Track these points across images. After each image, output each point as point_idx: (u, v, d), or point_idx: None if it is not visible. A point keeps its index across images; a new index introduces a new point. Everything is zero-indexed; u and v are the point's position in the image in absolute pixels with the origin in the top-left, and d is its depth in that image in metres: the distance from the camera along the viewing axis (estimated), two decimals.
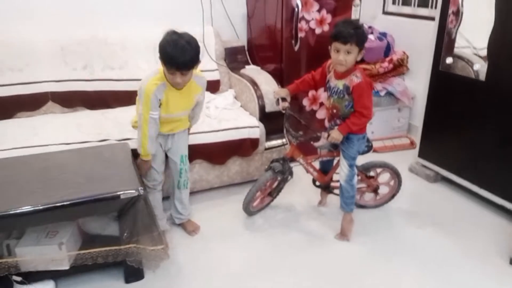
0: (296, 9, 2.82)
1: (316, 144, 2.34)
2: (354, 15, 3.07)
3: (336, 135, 2.12)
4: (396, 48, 3.73)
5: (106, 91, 2.90)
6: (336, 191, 2.47)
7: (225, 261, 2.19)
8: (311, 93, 3.11)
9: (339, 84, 2.14)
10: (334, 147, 2.37)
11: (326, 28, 2.98)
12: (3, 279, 1.82)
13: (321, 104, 3.20)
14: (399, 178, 2.59)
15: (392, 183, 2.63)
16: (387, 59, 3.62)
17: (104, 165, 2.07)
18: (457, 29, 2.67)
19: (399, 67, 3.67)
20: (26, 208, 1.70)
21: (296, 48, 2.93)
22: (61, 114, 2.79)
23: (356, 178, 2.31)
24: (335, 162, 2.46)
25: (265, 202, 2.60)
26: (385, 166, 2.56)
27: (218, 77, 3.19)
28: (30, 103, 2.73)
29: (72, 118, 2.69)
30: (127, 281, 2.00)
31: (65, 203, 1.72)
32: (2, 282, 1.83)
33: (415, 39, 3.58)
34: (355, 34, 1.98)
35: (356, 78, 2.07)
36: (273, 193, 2.55)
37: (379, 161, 2.56)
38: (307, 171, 2.46)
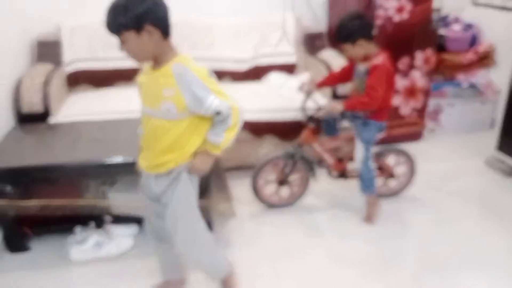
0: None
1: (318, 113, 2.35)
2: (435, 5, 3.03)
3: (335, 104, 2.18)
4: (484, 40, 3.58)
5: None
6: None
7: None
8: None
9: (362, 67, 2.22)
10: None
11: (405, 16, 2.99)
12: (97, 218, 2.17)
13: (397, 91, 3.20)
14: (413, 164, 2.55)
15: (406, 169, 2.59)
16: (472, 50, 3.49)
17: None
18: None
19: (485, 60, 3.53)
20: (119, 159, 2.01)
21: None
22: None
23: (371, 161, 2.33)
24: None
25: (283, 197, 2.55)
26: (399, 152, 2.54)
27: (295, 61, 3.33)
28: (126, 75, 3.08)
29: None
30: None
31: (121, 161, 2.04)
32: (96, 221, 2.18)
33: (505, 32, 3.41)
34: (343, 35, 2.12)
35: (376, 60, 2.14)
36: (285, 182, 2.49)
37: (392, 147, 2.55)
38: (322, 159, 2.46)
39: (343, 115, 2.31)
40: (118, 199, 2.18)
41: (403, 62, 3.13)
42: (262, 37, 3.31)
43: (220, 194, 2.16)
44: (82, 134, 2.35)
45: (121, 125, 2.43)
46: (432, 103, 3.45)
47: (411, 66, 3.16)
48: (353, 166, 2.46)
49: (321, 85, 2.41)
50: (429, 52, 3.17)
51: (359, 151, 2.32)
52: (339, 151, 2.49)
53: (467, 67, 3.54)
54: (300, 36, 3.41)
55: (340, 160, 2.50)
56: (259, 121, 2.71)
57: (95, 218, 2.18)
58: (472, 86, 3.51)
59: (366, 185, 2.37)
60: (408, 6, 2.97)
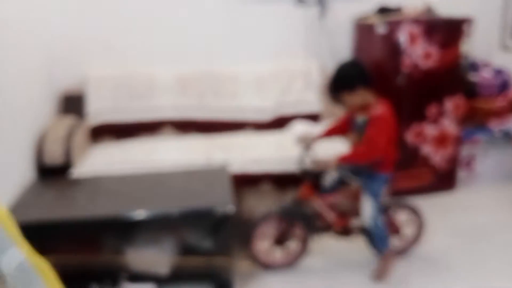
0: (401, 45, 2.82)
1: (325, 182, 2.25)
2: (463, 51, 2.96)
3: (326, 160, 2.06)
4: None
5: (216, 119, 3.17)
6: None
7: None
8: (415, 127, 3.03)
9: (360, 118, 2.14)
10: (341, 183, 2.29)
11: (431, 63, 2.92)
12: (113, 275, 2.08)
13: (426, 139, 3.09)
14: (421, 220, 2.40)
15: (413, 225, 2.43)
16: (504, 96, 3.36)
17: (205, 184, 2.28)
18: None
19: None
20: (138, 215, 1.95)
21: (400, 82, 2.91)
22: (175, 138, 3.11)
23: (381, 217, 2.20)
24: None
25: (278, 258, 2.36)
26: (405, 206, 2.40)
27: (318, 110, 3.26)
28: (149, 127, 3.10)
29: (184, 141, 2.99)
30: None
31: (168, 213, 1.95)
32: (112, 278, 2.09)
33: None
34: (341, 83, 2.06)
35: (375, 110, 2.07)
36: (283, 241, 2.31)
37: (402, 201, 2.42)
38: (323, 215, 2.28)
39: (342, 171, 2.18)
40: (136, 256, 2.09)
41: (431, 110, 3.03)
42: (285, 85, 3.28)
43: (240, 251, 2.05)
44: (102, 188, 2.32)
45: (142, 178, 2.39)
46: (465, 151, 3.30)
47: (440, 113, 3.05)
48: (358, 222, 2.30)
49: (320, 138, 2.29)
50: (459, 99, 3.06)
51: (367, 206, 2.19)
52: (341, 207, 2.33)
53: (499, 113, 3.39)
54: (324, 84, 3.37)
55: (342, 216, 2.32)
56: (284, 172, 2.62)
57: (111, 275, 2.09)
58: (506, 133, 3.35)
59: (380, 242, 2.23)
60: (435, 52, 2.90)
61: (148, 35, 3.26)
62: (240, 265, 2.04)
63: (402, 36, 2.81)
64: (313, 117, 3.24)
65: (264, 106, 3.24)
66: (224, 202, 2.01)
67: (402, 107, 2.99)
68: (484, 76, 3.38)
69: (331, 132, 2.31)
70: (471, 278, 2.27)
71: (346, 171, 2.19)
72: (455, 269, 2.35)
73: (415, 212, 2.41)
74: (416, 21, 2.84)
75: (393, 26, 2.83)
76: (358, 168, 2.16)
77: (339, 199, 2.30)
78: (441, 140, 3.12)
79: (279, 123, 3.22)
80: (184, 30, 3.30)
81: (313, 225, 2.29)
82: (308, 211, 2.26)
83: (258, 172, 2.63)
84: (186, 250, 2.18)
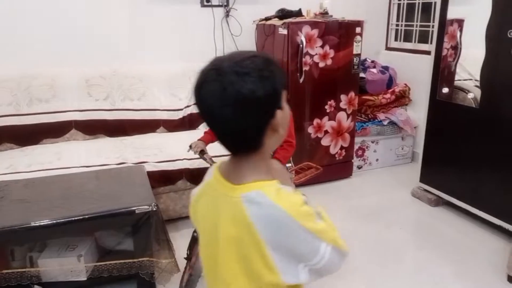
0: (301, 45, 3.05)
1: None
2: (356, 50, 3.29)
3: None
4: (399, 81, 3.92)
5: (125, 120, 3.13)
6: None
7: None
8: (316, 121, 3.30)
9: None
10: None
11: (329, 62, 3.20)
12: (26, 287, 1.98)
13: (326, 132, 3.38)
14: None
15: None
16: (390, 90, 3.80)
17: (121, 185, 2.26)
18: (456, 62, 2.86)
19: (402, 98, 3.85)
20: (48, 221, 1.88)
21: (301, 80, 3.14)
22: (83, 141, 3.01)
23: None
24: None
25: None
26: None
27: None
28: (55, 131, 2.95)
29: (93, 144, 2.91)
30: None
31: (84, 216, 1.90)
32: None
33: (416, 72, 3.76)
34: None
35: None
36: None
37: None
38: None
39: None
40: (49, 265, 2.01)
41: (330, 105, 3.32)
42: None
43: (161, 250, 2.08)
44: (7, 195, 2.17)
45: (52, 183, 2.28)
46: (358, 141, 3.66)
47: (337, 108, 3.36)
48: None
49: (209, 141, 2.06)
50: (352, 95, 3.39)
51: None
52: None
53: (386, 106, 3.83)
54: None
55: None
56: (199, 168, 2.67)
57: None
58: (392, 123, 3.79)
59: None
60: (331, 53, 3.19)
61: (50, 35, 3.10)
62: (162, 263, 2.06)
63: (301, 37, 3.04)
64: None
65: (174, 106, 3.27)
66: (143, 202, 2.02)
67: (304, 104, 3.24)
68: (372, 73, 3.78)
69: (214, 137, 2.11)
70: (366, 253, 2.56)
71: None
72: (353, 248, 2.63)
73: None
74: (314, 23, 3.09)
75: (293, 28, 3.05)
76: None
77: None
78: (338, 132, 3.43)
79: (191, 123, 3.28)
80: (89, 30, 3.20)
81: None
82: None
83: (174, 170, 2.66)
84: (107, 253, 2.16)
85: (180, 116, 3.27)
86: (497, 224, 2.62)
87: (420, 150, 3.18)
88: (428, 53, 3.69)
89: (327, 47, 3.17)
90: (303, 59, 3.10)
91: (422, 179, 3.16)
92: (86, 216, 1.90)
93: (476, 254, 2.50)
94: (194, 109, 3.31)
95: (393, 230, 2.80)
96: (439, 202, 3.07)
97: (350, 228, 2.78)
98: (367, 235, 2.74)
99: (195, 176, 2.70)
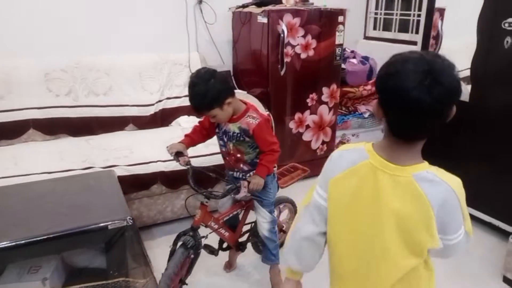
0: (282, 35, 2.85)
1: (238, 196, 1.90)
2: (338, 40, 3.12)
3: (258, 180, 1.83)
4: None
5: (90, 118, 2.84)
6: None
7: None
8: (297, 115, 3.12)
9: (234, 128, 1.86)
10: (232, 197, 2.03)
11: (311, 53, 3.02)
12: None
13: (308, 126, 3.21)
14: (295, 209, 2.35)
15: (292, 219, 2.36)
16: (370, 82, 3.67)
17: (90, 194, 2.00)
18: (438, 51, 2.74)
19: None
20: (6, 243, 1.61)
21: (282, 72, 2.95)
22: (43, 142, 2.70)
23: (276, 225, 2.07)
24: (241, 215, 2.14)
25: None
26: (286, 201, 2.33)
27: None
28: (10, 131, 2.64)
29: (55, 145, 2.61)
30: None
31: (49, 236, 1.64)
32: None
33: None
34: (208, 101, 1.73)
35: (253, 120, 1.83)
36: (184, 279, 1.89)
37: (282, 197, 2.31)
38: (218, 234, 2.02)
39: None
40: None
41: (311, 98, 3.15)
42: (166, 78, 3.08)
43: (138, 267, 1.86)
44: None
45: (9, 193, 1.99)
46: (338, 134, 3.53)
47: (319, 102, 3.19)
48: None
49: (190, 144, 1.95)
50: (334, 87, 3.23)
51: (263, 217, 2.01)
52: (233, 221, 2.11)
53: (367, 97, 3.70)
54: None
55: (234, 231, 2.09)
56: (175, 170, 2.44)
57: None
58: (373, 116, 3.67)
59: (274, 253, 2.06)
60: (314, 43, 3.00)
61: (4, 23, 2.75)
62: (140, 283, 1.84)
63: (283, 26, 2.83)
64: None
65: (145, 101, 3.00)
66: (117, 215, 1.78)
67: (286, 97, 3.06)
68: (353, 64, 3.63)
69: (194, 141, 1.97)
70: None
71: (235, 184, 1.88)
72: None
73: (293, 205, 2.36)
74: (295, 11, 2.89)
75: (274, 16, 2.84)
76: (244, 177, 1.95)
77: (231, 213, 2.05)
78: (319, 127, 3.28)
79: (163, 119, 3.03)
80: (47, 14, 2.85)
81: (212, 248, 2.05)
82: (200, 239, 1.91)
83: (147, 174, 2.42)
84: (76, 274, 1.91)
85: (152, 112, 3.01)
86: (489, 221, 2.55)
87: None
88: (408, 42, 3.60)
89: (309, 37, 2.98)
90: (284, 50, 2.90)
91: None
92: (52, 236, 1.65)
93: (470, 253, 2.41)
94: (166, 104, 3.07)
95: None
96: None
97: None
98: None
99: (171, 180, 2.47)
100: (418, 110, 0.92)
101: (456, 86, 0.94)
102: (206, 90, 1.73)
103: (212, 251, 2.06)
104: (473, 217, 2.64)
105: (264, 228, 2.03)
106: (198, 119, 2.96)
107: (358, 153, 1.06)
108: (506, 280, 2.14)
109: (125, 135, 2.85)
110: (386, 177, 1.00)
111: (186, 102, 3.03)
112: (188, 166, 1.86)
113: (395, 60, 0.97)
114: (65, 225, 1.69)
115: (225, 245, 2.13)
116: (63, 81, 2.80)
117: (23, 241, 1.61)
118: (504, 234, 2.51)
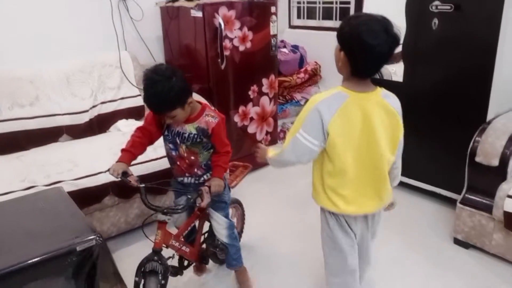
0: (220, 28, 2.79)
1: (202, 203, 1.71)
2: (272, 31, 3.15)
3: (218, 181, 1.74)
4: (309, 59, 3.89)
5: (17, 132, 2.54)
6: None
7: None
8: (241, 108, 3.10)
9: (190, 128, 1.75)
10: (191, 208, 1.89)
11: (248, 45, 3.01)
12: None
13: (252, 119, 3.20)
14: (243, 210, 2.37)
15: (239, 218, 2.39)
16: (302, 70, 3.76)
17: (43, 217, 1.79)
18: None
19: (314, 77, 3.85)
20: None
21: (223, 66, 2.90)
22: None
23: (234, 228, 2.02)
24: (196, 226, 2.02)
25: None
26: (235, 202, 2.29)
27: (142, 103, 3.00)
28: None
29: None
30: None
31: (11, 269, 1.44)
32: None
33: (324, 49, 3.76)
34: (170, 101, 1.62)
35: (212, 119, 1.75)
36: None
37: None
38: (180, 253, 1.88)
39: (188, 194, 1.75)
40: None
41: (253, 90, 3.14)
42: (98, 81, 2.86)
43: (111, 286, 1.71)
44: None
45: None
46: (279, 124, 3.57)
47: (260, 93, 3.20)
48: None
49: (131, 160, 1.77)
50: (273, 77, 3.26)
51: (220, 223, 1.92)
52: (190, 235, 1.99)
53: (301, 85, 3.79)
54: (140, 75, 3.08)
55: (193, 245, 1.96)
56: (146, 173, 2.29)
57: None
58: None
59: (235, 258, 2.01)
60: (250, 35, 2.99)
61: None
62: None
63: (219, 20, 2.77)
64: (138, 111, 2.96)
65: (77, 108, 2.76)
66: (83, 234, 1.61)
67: (229, 91, 3.02)
68: (285, 53, 3.69)
69: (134, 155, 1.78)
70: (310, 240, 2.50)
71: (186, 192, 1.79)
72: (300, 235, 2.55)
73: (239, 204, 2.33)
74: (230, 3, 2.84)
75: (209, 10, 2.76)
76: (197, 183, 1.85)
77: (189, 226, 1.94)
78: (262, 118, 3.29)
79: (100, 125, 2.82)
80: None
81: (175, 268, 1.90)
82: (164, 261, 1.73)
83: (98, 186, 2.24)
84: None
85: (87, 119, 2.78)
86: (430, 190, 2.76)
87: None
88: (333, 29, 3.74)
89: (245, 29, 2.97)
90: (223, 43, 2.85)
91: None
92: (11, 270, 1.45)
93: (418, 222, 2.60)
94: (101, 109, 2.85)
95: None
96: None
97: (293, 212, 2.71)
98: (311, 219, 2.67)
99: (124, 189, 2.31)
100: (382, 59, 1.35)
101: (400, 36, 1.33)
102: (169, 88, 1.59)
103: (176, 272, 1.91)
104: (413, 187, 2.86)
105: (222, 235, 1.94)
106: (137, 122, 2.83)
107: (339, 96, 1.39)
108: (456, 241, 2.34)
109: (60, 147, 2.60)
110: (368, 103, 1.39)
111: (122, 105, 2.93)
112: (142, 185, 1.69)
113: (362, 22, 1.31)
114: (26, 256, 1.50)
115: (185, 262, 1.98)
116: None
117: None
118: (443, 200, 2.74)
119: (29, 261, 1.49)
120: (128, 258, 2.10)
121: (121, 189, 2.30)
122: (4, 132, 2.50)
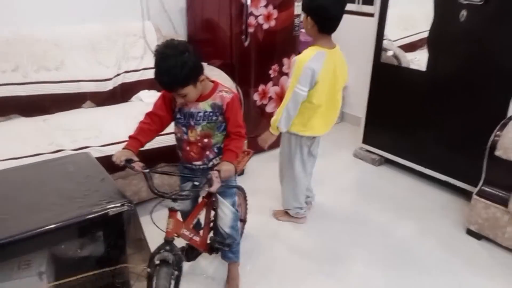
0: (246, 5, 2.79)
1: (212, 189, 1.61)
2: (296, 11, 3.14)
3: (229, 166, 1.65)
4: None
5: (43, 95, 2.57)
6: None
7: None
8: (261, 87, 3.13)
9: (205, 106, 1.69)
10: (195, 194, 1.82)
11: (273, 23, 3.01)
12: None
13: (270, 98, 3.23)
14: (244, 194, 2.25)
15: (243, 206, 2.29)
16: None
17: (74, 181, 1.84)
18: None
19: None
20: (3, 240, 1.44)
21: (246, 43, 2.91)
22: None
23: (238, 219, 1.97)
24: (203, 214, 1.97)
25: None
26: (238, 190, 2.15)
27: None
28: None
29: (9, 128, 2.35)
30: None
31: (43, 229, 1.49)
32: None
33: (345, 32, 3.75)
34: (183, 76, 1.54)
35: (227, 94, 1.70)
36: None
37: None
38: (192, 243, 1.84)
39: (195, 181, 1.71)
40: None
41: (273, 70, 3.16)
42: (122, 50, 2.88)
43: (137, 252, 1.78)
44: None
45: None
46: None
47: (280, 73, 3.21)
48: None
49: (138, 147, 1.75)
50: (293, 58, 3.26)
51: (226, 211, 1.88)
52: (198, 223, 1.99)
53: None
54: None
55: (200, 233, 1.92)
56: (149, 148, 2.32)
57: None
58: None
59: (234, 251, 1.97)
60: (275, 14, 2.99)
61: None
62: (139, 268, 1.77)
63: None
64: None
65: (102, 76, 2.79)
66: (114, 200, 1.67)
67: (250, 69, 3.03)
68: (305, 35, 3.67)
69: (142, 144, 1.77)
70: (326, 219, 2.57)
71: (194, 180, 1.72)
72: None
73: (243, 192, 2.23)
74: None
75: None
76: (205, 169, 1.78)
77: (197, 215, 1.90)
78: (281, 98, 3.29)
79: (124, 94, 2.85)
80: None
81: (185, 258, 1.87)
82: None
83: None
84: (70, 265, 1.78)
85: (110, 87, 2.81)
86: (443, 180, 2.81)
87: (355, 111, 3.24)
88: (355, 13, 3.72)
89: (270, 7, 2.96)
90: (248, 20, 2.85)
91: (365, 140, 3.25)
92: (46, 229, 1.50)
93: (431, 211, 2.66)
94: (125, 78, 2.88)
95: (347, 193, 2.86)
96: (381, 162, 3.20)
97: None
98: (325, 198, 2.74)
99: (148, 157, 2.34)
100: (338, 18, 2.03)
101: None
102: (182, 64, 1.51)
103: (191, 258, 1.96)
104: (426, 176, 2.91)
105: (225, 224, 1.89)
106: (158, 94, 2.85)
107: (321, 54, 2.05)
108: (469, 231, 2.41)
109: (84, 113, 2.64)
110: (335, 56, 2.11)
111: (145, 75, 2.94)
112: (147, 171, 1.65)
113: None
114: (59, 217, 1.55)
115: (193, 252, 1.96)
116: (8, 55, 2.50)
117: (17, 237, 1.47)
118: (455, 190, 2.80)
119: (64, 222, 1.54)
120: (146, 227, 2.14)
121: (145, 156, 2.34)
122: (31, 95, 2.54)
